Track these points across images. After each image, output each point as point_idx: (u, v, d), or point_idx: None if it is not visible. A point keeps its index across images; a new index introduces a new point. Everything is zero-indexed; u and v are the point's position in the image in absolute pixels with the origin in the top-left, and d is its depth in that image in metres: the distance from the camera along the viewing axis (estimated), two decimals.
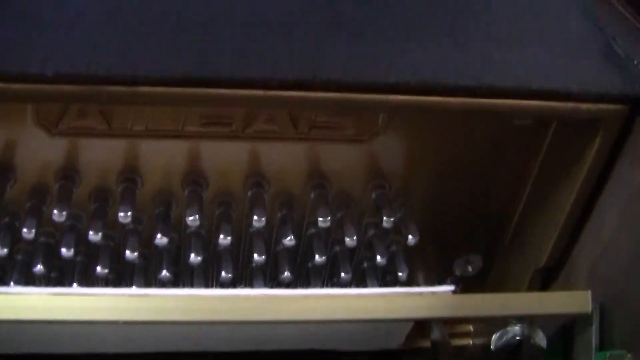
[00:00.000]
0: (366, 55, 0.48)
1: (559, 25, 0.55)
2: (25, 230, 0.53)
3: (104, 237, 0.54)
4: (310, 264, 0.59)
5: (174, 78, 0.44)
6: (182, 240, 0.58)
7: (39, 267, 0.54)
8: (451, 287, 0.53)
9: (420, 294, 0.51)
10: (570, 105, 0.49)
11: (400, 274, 0.59)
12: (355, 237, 0.56)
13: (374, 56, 0.48)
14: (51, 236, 0.56)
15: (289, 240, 0.55)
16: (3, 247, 0.53)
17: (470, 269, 0.63)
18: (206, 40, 0.46)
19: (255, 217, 0.54)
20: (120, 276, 0.58)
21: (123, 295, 0.47)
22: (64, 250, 0.54)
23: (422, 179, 0.58)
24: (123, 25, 0.47)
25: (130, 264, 0.56)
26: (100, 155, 0.53)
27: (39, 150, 0.53)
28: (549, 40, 0.53)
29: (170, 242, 0.55)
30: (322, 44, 0.48)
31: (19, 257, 0.57)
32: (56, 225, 0.55)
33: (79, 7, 0.47)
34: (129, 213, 0.53)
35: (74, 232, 0.55)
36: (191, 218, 0.53)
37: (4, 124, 0.51)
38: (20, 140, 0.52)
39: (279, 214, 0.57)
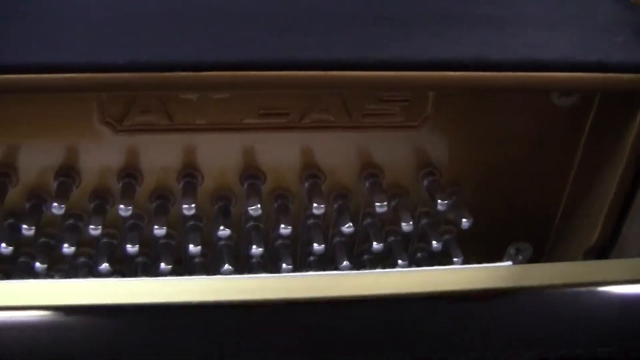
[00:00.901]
0: (415, 39, 0.51)
1: (592, 9, 0.58)
2: (92, 227, 0.54)
3: (166, 234, 0.56)
4: (366, 256, 0.61)
5: (242, 63, 0.47)
6: (240, 234, 0.59)
7: (105, 266, 0.56)
8: (509, 263, 0.54)
9: (484, 267, 0.52)
10: (612, 76, 0.52)
11: (455, 259, 0.60)
12: (411, 222, 0.57)
13: (423, 41, 0.51)
14: (113, 236, 0.58)
15: (348, 228, 0.56)
16: (70, 246, 0.55)
17: (520, 257, 0.64)
18: (269, 31, 0.50)
19: (314, 206, 0.55)
20: (186, 271, 0.59)
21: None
22: (129, 246, 0.55)
23: (470, 166, 0.60)
24: (185, 16, 0.50)
25: (192, 257, 0.57)
26: (163, 150, 0.55)
27: (103, 148, 0.55)
28: (585, 22, 0.56)
29: (230, 236, 0.57)
30: (373, 34, 0.51)
31: (81, 259, 0.58)
32: (117, 223, 0.57)
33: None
34: (193, 206, 0.54)
35: (137, 229, 0.57)
36: (253, 208, 0.55)
37: (70, 124, 0.53)
38: (85, 139, 0.54)
39: (336, 205, 0.58)
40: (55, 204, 0.54)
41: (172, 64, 0.47)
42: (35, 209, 0.56)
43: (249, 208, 0.55)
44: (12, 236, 0.55)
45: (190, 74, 0.47)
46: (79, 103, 0.52)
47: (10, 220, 0.56)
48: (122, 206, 0.54)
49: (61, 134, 0.54)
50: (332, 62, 0.49)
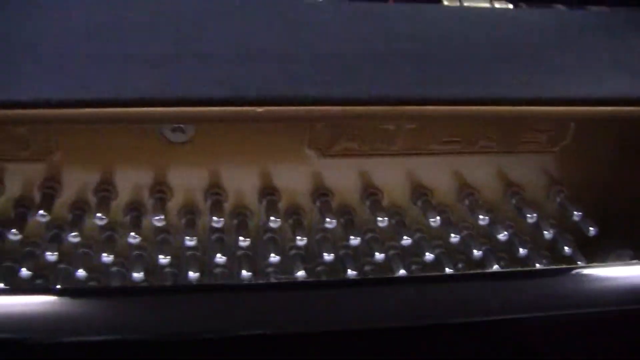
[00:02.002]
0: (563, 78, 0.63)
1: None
2: (297, 237, 0.63)
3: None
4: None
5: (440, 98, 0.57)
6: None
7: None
8: None
9: None
10: None
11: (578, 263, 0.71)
12: (551, 231, 0.69)
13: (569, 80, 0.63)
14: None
15: (503, 236, 0.67)
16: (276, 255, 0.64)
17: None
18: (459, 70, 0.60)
19: (480, 217, 0.66)
20: None
21: None
22: (325, 254, 0.64)
23: (592, 184, 0.72)
24: (382, 56, 0.60)
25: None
26: (357, 172, 0.65)
27: (308, 170, 0.64)
28: None
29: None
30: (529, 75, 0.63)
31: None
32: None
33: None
34: (385, 219, 0.64)
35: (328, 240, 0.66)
36: (433, 220, 0.65)
37: (281, 148, 0.63)
38: (291, 162, 0.64)
39: (488, 217, 0.69)
40: (273, 218, 0.62)
41: (383, 98, 0.57)
42: (242, 223, 0.64)
43: (430, 220, 0.65)
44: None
45: (395, 107, 0.57)
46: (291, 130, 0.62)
47: (217, 235, 0.65)
48: (328, 219, 0.63)
49: (269, 157, 0.63)
50: (514, 99, 0.60)
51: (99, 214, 0.60)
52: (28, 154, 0.60)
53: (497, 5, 0.72)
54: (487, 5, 0.72)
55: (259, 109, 0.55)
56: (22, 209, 0.62)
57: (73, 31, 0.59)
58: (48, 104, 0.52)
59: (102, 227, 0.63)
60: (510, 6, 0.72)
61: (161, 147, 0.61)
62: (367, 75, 0.58)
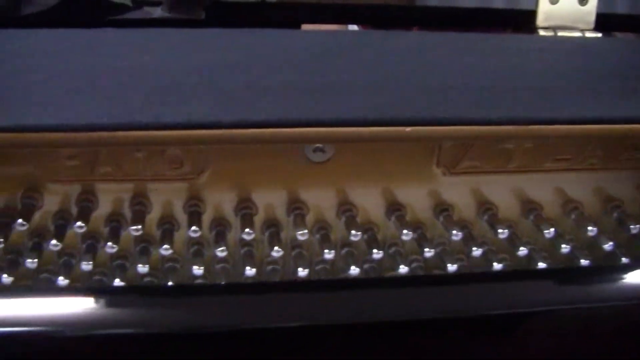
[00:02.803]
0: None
1: None
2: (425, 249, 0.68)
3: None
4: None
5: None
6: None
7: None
8: None
9: None
10: None
11: None
12: None
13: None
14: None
15: (609, 246, 0.72)
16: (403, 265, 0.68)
17: None
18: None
19: (589, 229, 0.71)
20: None
21: None
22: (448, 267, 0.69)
23: None
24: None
25: None
26: (475, 190, 0.70)
27: (433, 188, 0.69)
28: None
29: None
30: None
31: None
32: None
33: None
34: (507, 231, 0.69)
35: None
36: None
37: (410, 167, 0.67)
38: (418, 180, 0.68)
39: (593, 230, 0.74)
40: (405, 232, 0.67)
41: (511, 120, 0.62)
42: (371, 240, 0.69)
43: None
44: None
45: (521, 127, 0.63)
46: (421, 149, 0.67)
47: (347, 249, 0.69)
48: (455, 231, 0.68)
49: (398, 175, 0.68)
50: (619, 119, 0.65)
51: (247, 230, 0.65)
52: (180, 173, 0.65)
53: (587, 35, 0.79)
54: (579, 34, 0.78)
55: (407, 129, 0.60)
56: (169, 225, 0.67)
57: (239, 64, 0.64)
58: (215, 125, 0.57)
59: (247, 243, 0.67)
60: (600, 35, 0.79)
61: (301, 166, 0.66)
62: (493, 100, 0.64)
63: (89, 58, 0.65)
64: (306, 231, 0.66)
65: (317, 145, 0.65)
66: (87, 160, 0.63)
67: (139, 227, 0.64)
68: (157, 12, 0.91)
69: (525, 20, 0.76)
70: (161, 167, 0.64)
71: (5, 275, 0.65)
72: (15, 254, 0.66)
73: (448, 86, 0.64)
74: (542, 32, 0.77)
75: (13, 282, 0.63)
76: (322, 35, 0.71)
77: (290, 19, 0.79)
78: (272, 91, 0.61)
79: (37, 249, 0.65)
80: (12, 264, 0.66)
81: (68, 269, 0.67)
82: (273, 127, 0.58)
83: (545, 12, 0.76)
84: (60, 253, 0.66)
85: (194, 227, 0.64)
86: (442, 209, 0.70)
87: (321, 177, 0.67)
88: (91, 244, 0.66)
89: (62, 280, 0.65)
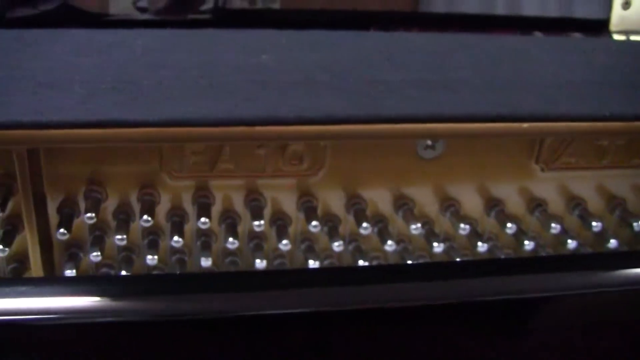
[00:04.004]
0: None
1: None
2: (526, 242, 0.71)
3: None
4: None
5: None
6: None
7: None
8: None
9: None
10: None
11: None
12: None
13: None
14: None
15: None
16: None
17: None
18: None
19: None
20: None
21: None
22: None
23: None
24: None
25: None
26: (568, 186, 0.73)
27: (530, 184, 0.72)
28: None
29: None
30: None
31: None
32: None
33: None
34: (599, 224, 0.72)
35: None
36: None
37: (511, 163, 0.70)
38: (517, 176, 0.71)
39: None
40: (509, 225, 0.70)
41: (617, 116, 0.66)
42: (473, 235, 0.71)
43: (634, 225, 0.73)
44: None
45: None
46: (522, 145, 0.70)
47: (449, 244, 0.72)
48: (553, 224, 0.71)
49: (499, 171, 0.71)
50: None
51: (364, 224, 0.66)
52: (299, 170, 0.66)
53: None
54: None
55: (524, 125, 0.62)
56: (281, 222, 0.68)
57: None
58: (347, 120, 0.59)
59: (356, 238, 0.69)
60: None
61: (412, 163, 0.68)
62: (590, 98, 0.67)
63: (209, 56, 0.66)
64: (419, 225, 0.68)
65: (428, 142, 0.67)
66: (210, 157, 0.64)
67: (261, 222, 0.65)
68: None
69: (598, 25, 0.80)
70: (281, 163, 0.65)
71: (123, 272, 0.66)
72: (129, 251, 0.67)
73: (556, 84, 0.67)
74: (615, 37, 0.81)
75: None
76: (426, 37, 0.73)
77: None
78: (392, 87, 0.63)
79: (154, 246, 0.66)
80: (129, 261, 0.66)
81: (182, 265, 0.68)
82: (401, 123, 0.60)
83: (618, 16, 0.80)
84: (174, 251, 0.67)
85: (313, 223, 0.66)
86: (537, 204, 0.73)
87: (429, 173, 0.69)
88: (206, 242, 0.67)
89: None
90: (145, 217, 0.63)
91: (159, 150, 0.63)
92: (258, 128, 0.58)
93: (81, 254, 0.66)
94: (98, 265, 0.67)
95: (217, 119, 0.57)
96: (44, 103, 0.56)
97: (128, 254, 0.67)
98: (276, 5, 0.77)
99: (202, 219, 0.64)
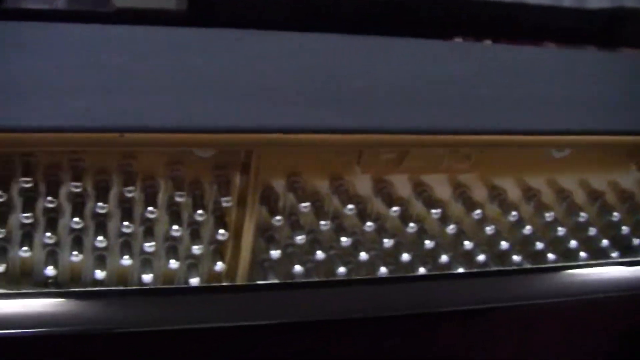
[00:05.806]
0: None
1: None
2: None
3: None
4: None
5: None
6: None
7: None
8: None
9: None
10: None
11: None
12: None
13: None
14: None
15: None
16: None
17: None
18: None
19: None
20: None
21: None
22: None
23: None
24: None
25: None
26: None
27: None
28: None
29: None
30: None
31: None
32: None
33: None
34: None
35: None
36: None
37: (614, 164, 0.85)
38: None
39: None
40: (615, 213, 0.85)
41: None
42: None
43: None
44: None
45: None
46: None
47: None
48: None
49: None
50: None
51: (512, 213, 0.79)
52: (465, 167, 0.78)
53: None
54: None
55: None
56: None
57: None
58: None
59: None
60: None
61: (543, 161, 0.82)
62: None
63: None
64: (552, 213, 0.81)
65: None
66: (400, 154, 0.74)
67: (439, 210, 0.76)
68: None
69: None
70: (453, 161, 0.77)
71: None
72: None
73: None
74: None
75: None
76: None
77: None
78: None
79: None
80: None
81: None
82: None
83: None
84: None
85: (476, 211, 0.78)
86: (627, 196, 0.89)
87: (558, 170, 0.83)
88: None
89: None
90: (350, 206, 0.73)
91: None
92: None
93: None
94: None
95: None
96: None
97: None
98: None
99: (394, 208, 0.74)
